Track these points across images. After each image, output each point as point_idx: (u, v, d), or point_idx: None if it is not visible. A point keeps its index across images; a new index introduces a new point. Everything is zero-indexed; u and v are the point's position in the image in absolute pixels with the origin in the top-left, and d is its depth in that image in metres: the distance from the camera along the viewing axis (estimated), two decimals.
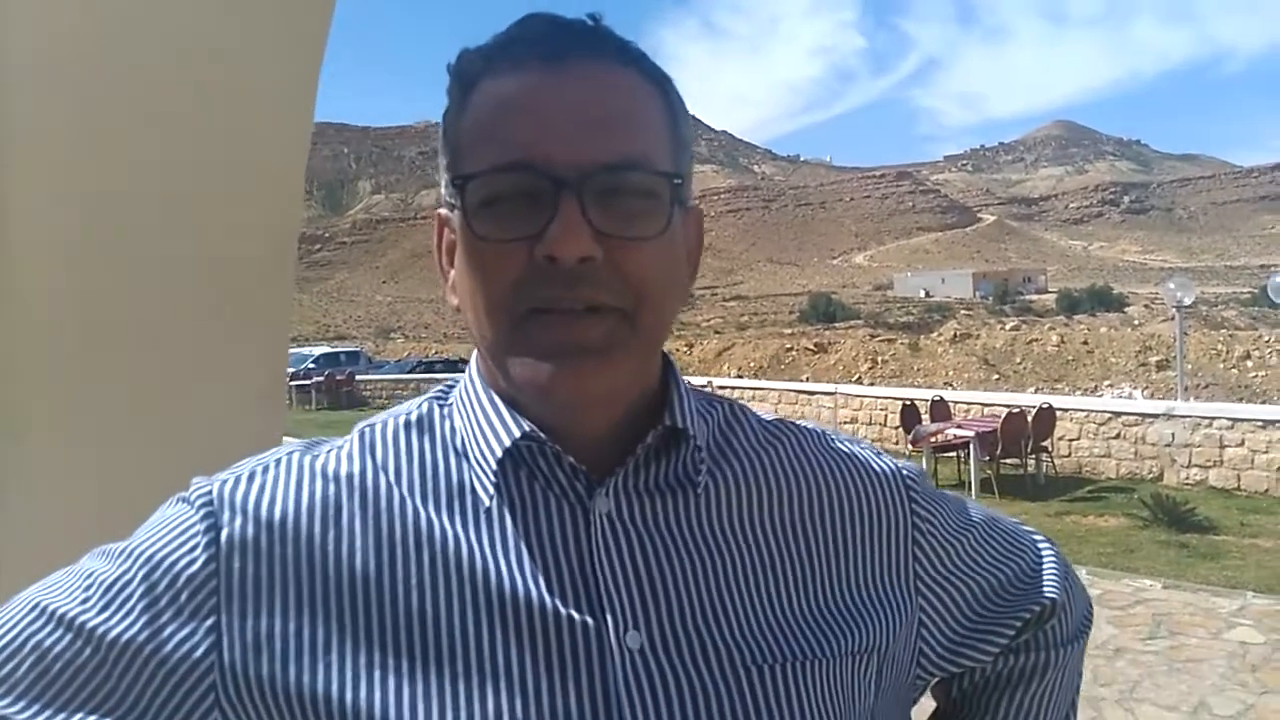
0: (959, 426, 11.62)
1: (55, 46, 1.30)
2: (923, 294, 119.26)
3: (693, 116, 0.79)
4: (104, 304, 1.41)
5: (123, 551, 0.70)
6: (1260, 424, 10.54)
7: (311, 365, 32.24)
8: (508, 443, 0.70)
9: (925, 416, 12.47)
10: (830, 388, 16.83)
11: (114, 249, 1.40)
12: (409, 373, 31.49)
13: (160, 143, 1.41)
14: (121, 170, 1.39)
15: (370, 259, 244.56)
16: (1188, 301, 17.41)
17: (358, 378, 29.34)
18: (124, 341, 1.43)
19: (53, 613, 0.69)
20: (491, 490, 0.70)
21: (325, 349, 38.36)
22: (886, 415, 14.14)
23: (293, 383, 25.54)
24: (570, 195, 0.64)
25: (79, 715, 0.67)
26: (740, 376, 35.43)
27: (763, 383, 22.03)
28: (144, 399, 1.45)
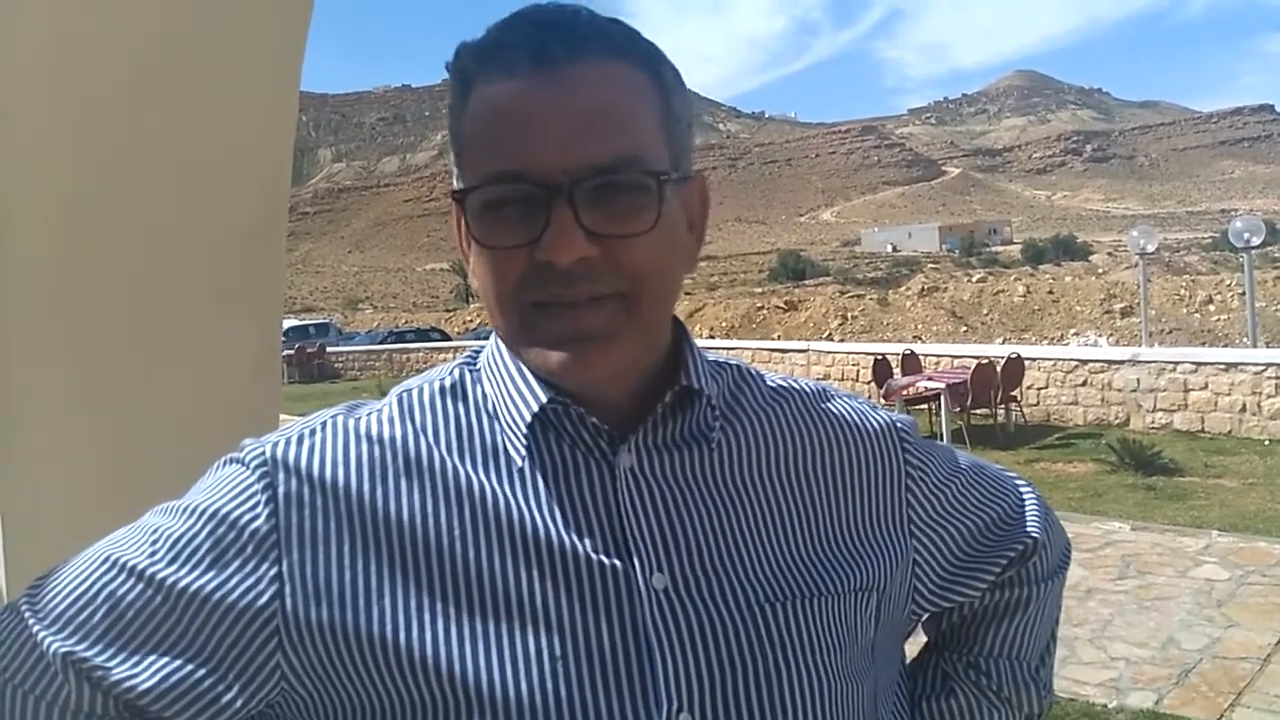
0: (930, 379, 11.73)
1: (39, 25, 1.29)
2: (890, 248, 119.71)
3: (684, 82, 0.79)
4: (97, 281, 1.41)
5: (185, 508, 0.75)
6: (1223, 367, 10.72)
7: (281, 338, 31.73)
8: (535, 408, 0.75)
9: (896, 370, 12.58)
10: (803, 345, 16.91)
11: (104, 226, 1.40)
12: (380, 344, 31.17)
13: (147, 118, 1.41)
14: (109, 147, 1.39)
15: (334, 229, 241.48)
16: (1150, 248, 17.61)
17: (328, 350, 28.99)
18: (119, 318, 1.44)
19: (123, 564, 0.73)
20: (523, 451, 0.75)
21: (294, 321, 37.80)
22: (859, 370, 14.24)
23: None
24: (562, 201, 0.68)
25: (151, 658, 0.71)
26: (712, 336, 35.52)
27: (735, 342, 22.09)
28: (141, 375, 1.46)
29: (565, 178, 0.68)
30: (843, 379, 14.42)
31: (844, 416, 0.87)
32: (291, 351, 26.48)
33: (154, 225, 1.44)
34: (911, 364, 12.90)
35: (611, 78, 0.71)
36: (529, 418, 0.75)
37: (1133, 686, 4.49)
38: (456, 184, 0.74)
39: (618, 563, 0.73)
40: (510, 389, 0.77)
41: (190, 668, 0.71)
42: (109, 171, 1.39)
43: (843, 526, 0.82)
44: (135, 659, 0.71)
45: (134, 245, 1.43)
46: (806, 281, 71.11)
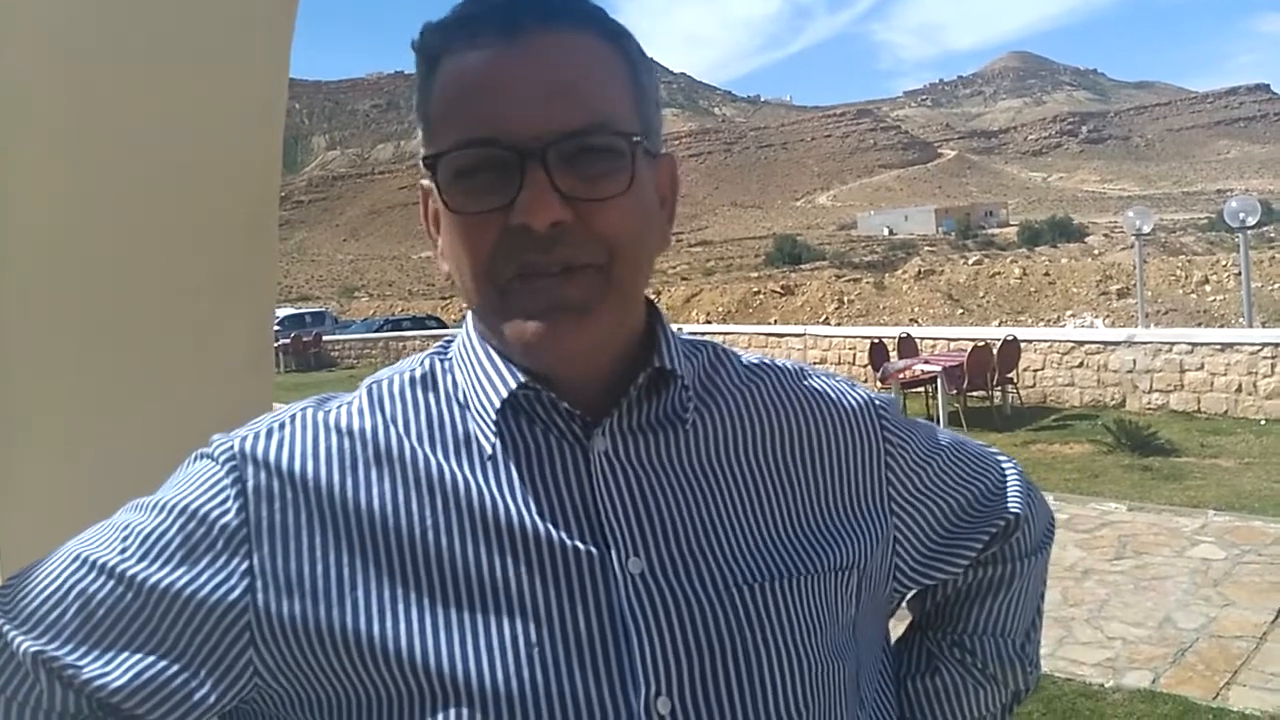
0: (926, 362, 11.74)
1: (27, 19, 1.28)
2: (886, 232, 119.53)
3: (651, 60, 0.80)
4: (86, 275, 1.40)
5: (155, 504, 0.74)
6: (1219, 347, 10.74)
7: (277, 328, 31.61)
8: (505, 394, 0.75)
9: (893, 354, 12.59)
10: (799, 329, 16.91)
11: (92, 220, 1.39)
12: (376, 331, 31.15)
13: (134, 110, 1.40)
14: (96, 140, 1.38)
15: (329, 217, 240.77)
16: (1146, 229, 17.59)
17: (325, 338, 28.94)
18: (108, 313, 1.43)
19: (94, 562, 0.73)
20: (493, 438, 0.75)
21: (290, 310, 37.76)
22: (855, 354, 14.25)
23: None
24: (536, 164, 0.68)
25: (123, 655, 0.71)
26: (709, 321, 35.51)
27: (732, 327, 22.10)
28: (131, 370, 1.46)
29: (538, 142, 0.68)
30: (839, 363, 14.43)
31: (821, 394, 0.87)
32: (288, 340, 26.43)
33: (142, 219, 1.43)
34: (908, 347, 12.91)
35: (581, 46, 0.71)
36: (498, 403, 0.75)
37: (1129, 666, 4.51)
38: (423, 166, 0.74)
39: (593, 548, 0.73)
40: (481, 376, 0.77)
41: (162, 664, 0.71)
42: (96, 165, 1.38)
43: (822, 505, 0.82)
44: (107, 657, 0.71)
45: (121, 240, 1.42)
46: (803, 265, 71.21)
